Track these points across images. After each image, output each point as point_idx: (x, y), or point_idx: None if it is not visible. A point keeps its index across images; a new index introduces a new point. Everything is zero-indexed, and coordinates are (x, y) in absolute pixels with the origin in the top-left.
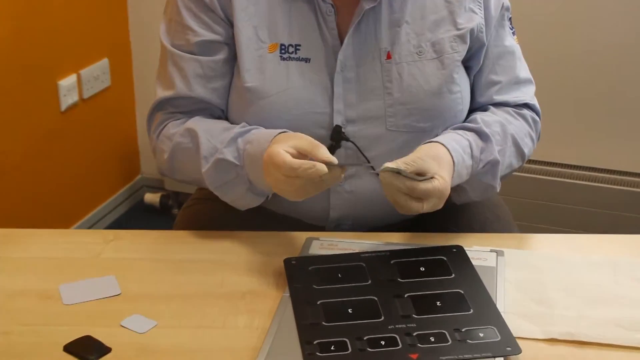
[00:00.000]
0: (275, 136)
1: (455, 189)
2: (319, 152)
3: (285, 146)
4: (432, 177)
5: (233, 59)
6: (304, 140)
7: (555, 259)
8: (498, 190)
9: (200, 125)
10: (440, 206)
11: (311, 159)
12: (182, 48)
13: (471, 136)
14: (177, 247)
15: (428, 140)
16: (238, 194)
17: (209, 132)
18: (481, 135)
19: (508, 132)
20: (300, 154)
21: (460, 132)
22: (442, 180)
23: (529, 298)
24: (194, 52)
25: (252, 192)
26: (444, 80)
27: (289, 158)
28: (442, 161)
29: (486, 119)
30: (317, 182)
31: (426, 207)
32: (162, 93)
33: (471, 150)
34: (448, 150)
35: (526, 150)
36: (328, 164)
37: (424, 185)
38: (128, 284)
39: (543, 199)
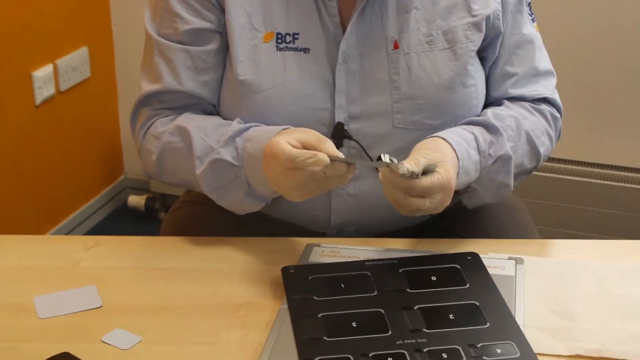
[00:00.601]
0: (278, 132)
1: (466, 190)
2: (324, 146)
3: (288, 138)
4: (432, 172)
5: (225, 50)
6: (310, 134)
7: (581, 267)
8: (512, 189)
9: (192, 122)
10: (447, 203)
11: None
12: (170, 37)
13: (477, 129)
14: (164, 254)
15: (433, 135)
16: (236, 197)
17: (202, 130)
18: (489, 128)
19: (522, 128)
20: (304, 148)
21: (464, 126)
22: (445, 173)
23: (551, 310)
24: (183, 42)
25: (251, 196)
26: (457, 72)
27: (288, 147)
28: (446, 155)
29: (498, 113)
30: (320, 180)
31: (429, 204)
32: (147, 87)
33: (477, 144)
34: (450, 144)
35: (542, 150)
36: (332, 159)
37: (424, 182)
38: (110, 296)
39: (567, 201)
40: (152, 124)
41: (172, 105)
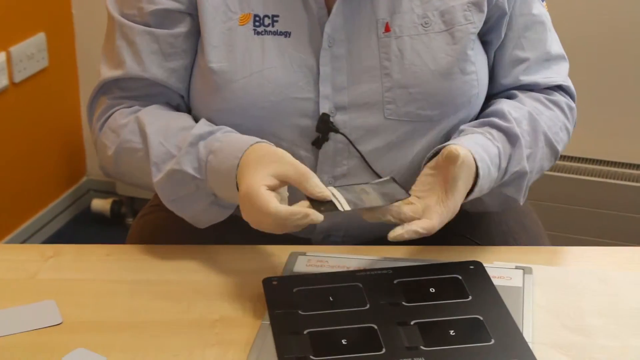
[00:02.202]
0: (246, 150)
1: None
2: (309, 185)
3: (264, 177)
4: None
5: (196, 34)
6: (288, 167)
7: (595, 277)
8: (522, 203)
9: (153, 123)
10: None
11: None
12: (134, 18)
13: (500, 140)
14: (131, 265)
15: (448, 143)
16: (199, 209)
17: (162, 133)
18: (510, 137)
19: (539, 130)
20: (282, 183)
21: (488, 133)
22: (431, 223)
23: (563, 325)
24: (149, 24)
25: (217, 205)
26: (456, 57)
27: (274, 204)
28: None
29: (515, 116)
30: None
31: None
32: (107, 73)
33: (499, 160)
34: (475, 160)
35: (560, 147)
36: (324, 210)
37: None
38: (71, 311)
39: (581, 204)
40: (111, 115)
41: (134, 94)
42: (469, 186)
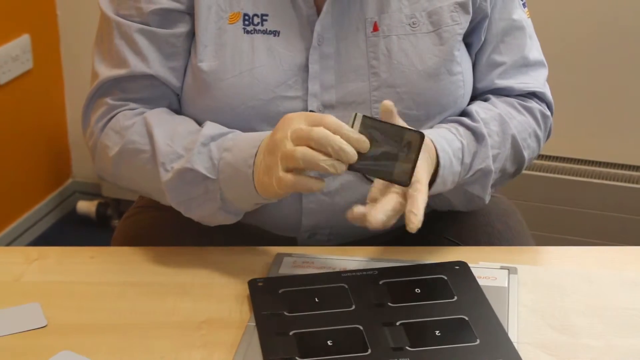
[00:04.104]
0: (263, 140)
1: (437, 195)
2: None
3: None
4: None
5: (194, 34)
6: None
7: (580, 276)
8: (487, 201)
9: (160, 123)
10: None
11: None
12: (132, 19)
13: (466, 137)
14: (117, 267)
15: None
16: (206, 213)
17: (170, 135)
18: (477, 135)
19: (508, 132)
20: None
21: (454, 129)
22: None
23: (548, 325)
24: (148, 24)
25: (225, 211)
26: (443, 58)
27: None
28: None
29: (483, 116)
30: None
31: None
32: (108, 72)
33: (462, 155)
34: (435, 149)
35: (527, 154)
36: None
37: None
38: (56, 314)
39: (565, 203)
40: (114, 116)
41: (137, 96)
42: (431, 171)
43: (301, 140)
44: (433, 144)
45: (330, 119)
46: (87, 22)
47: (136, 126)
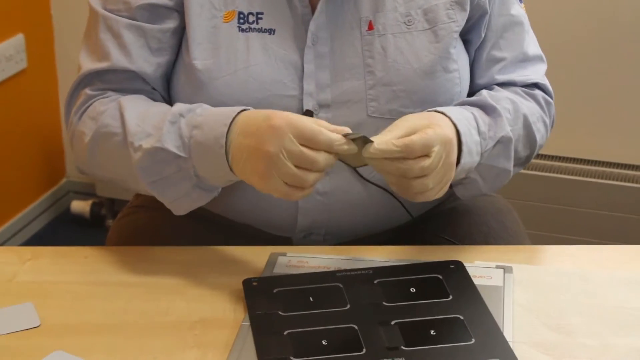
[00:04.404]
0: (234, 118)
1: (461, 181)
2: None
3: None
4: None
5: (183, 30)
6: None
7: (576, 275)
8: (511, 175)
9: (133, 105)
10: (453, 161)
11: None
12: (120, 13)
13: (475, 110)
14: (110, 267)
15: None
16: (181, 192)
17: (141, 116)
18: (487, 108)
19: (520, 112)
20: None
21: (461, 105)
22: (437, 127)
23: (544, 324)
24: (136, 18)
25: (200, 188)
26: (438, 56)
27: (325, 126)
28: (441, 125)
29: (494, 94)
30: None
31: (434, 159)
32: (90, 65)
33: (477, 124)
34: (449, 117)
35: (538, 137)
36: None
37: (416, 139)
38: (49, 314)
39: (561, 202)
40: (91, 104)
41: (117, 87)
42: (455, 142)
43: (303, 164)
44: (448, 118)
45: (322, 137)
46: (82, 22)
47: (110, 110)
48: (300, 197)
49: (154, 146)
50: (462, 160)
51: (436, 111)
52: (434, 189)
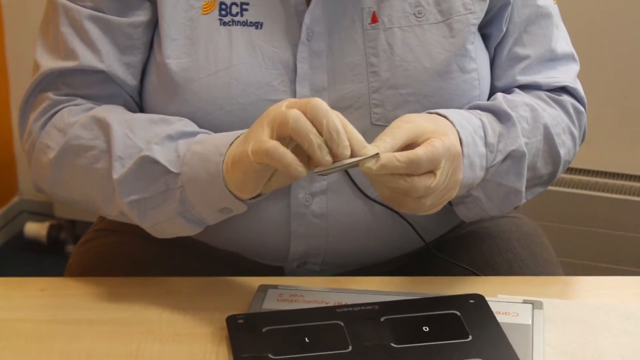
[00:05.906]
0: (236, 138)
1: (463, 200)
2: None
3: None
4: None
5: (155, 25)
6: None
7: (616, 312)
8: (524, 198)
9: (115, 114)
10: (459, 179)
11: None
12: (83, 3)
13: (485, 116)
14: (71, 301)
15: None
16: (162, 216)
17: (128, 125)
18: (500, 115)
19: (540, 121)
20: None
21: (471, 110)
22: (443, 136)
23: None
24: (102, 10)
25: (184, 217)
26: (454, 53)
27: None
28: (445, 129)
29: (510, 98)
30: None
31: (439, 179)
32: (51, 63)
33: (484, 134)
34: (451, 123)
35: (562, 152)
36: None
37: (420, 152)
38: None
39: (600, 226)
40: (57, 112)
41: (86, 92)
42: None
43: (297, 106)
44: (450, 122)
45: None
46: (36, 18)
47: (83, 121)
48: (287, 164)
49: (143, 155)
50: (462, 175)
51: (438, 114)
52: (430, 207)
